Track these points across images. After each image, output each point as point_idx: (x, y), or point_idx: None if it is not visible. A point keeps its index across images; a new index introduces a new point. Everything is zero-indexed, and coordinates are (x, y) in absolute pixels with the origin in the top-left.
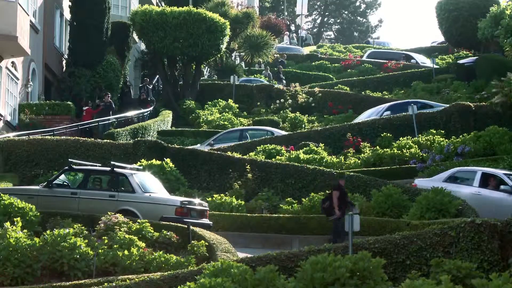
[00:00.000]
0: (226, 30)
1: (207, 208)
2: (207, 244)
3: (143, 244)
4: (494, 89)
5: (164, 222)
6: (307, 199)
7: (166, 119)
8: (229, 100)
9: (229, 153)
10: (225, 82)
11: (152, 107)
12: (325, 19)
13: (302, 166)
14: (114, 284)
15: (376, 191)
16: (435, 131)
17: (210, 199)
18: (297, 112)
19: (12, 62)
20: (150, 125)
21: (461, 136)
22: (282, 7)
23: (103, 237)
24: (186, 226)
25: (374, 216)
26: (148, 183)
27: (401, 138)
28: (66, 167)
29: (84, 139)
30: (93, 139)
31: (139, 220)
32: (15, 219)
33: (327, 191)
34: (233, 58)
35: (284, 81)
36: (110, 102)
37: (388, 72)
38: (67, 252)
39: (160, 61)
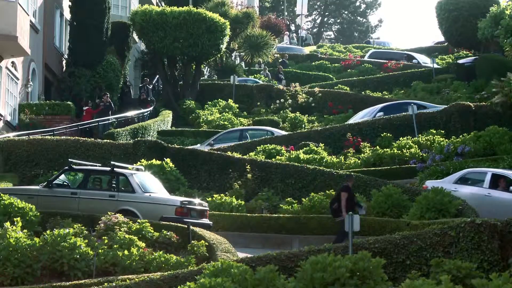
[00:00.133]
0: (226, 30)
1: (207, 208)
2: (207, 244)
3: (143, 244)
4: (494, 89)
5: (164, 222)
6: (307, 199)
7: (166, 119)
8: (229, 100)
9: (229, 153)
10: (225, 82)
11: (152, 107)
12: (325, 19)
13: (302, 166)
14: (114, 284)
15: (376, 191)
16: (435, 131)
17: (210, 199)
18: (297, 112)
19: (12, 62)
20: (150, 125)
21: (461, 136)
22: (282, 7)
23: (103, 237)
24: (186, 226)
25: (374, 216)
26: (148, 183)
27: (401, 138)
28: (66, 167)
29: (84, 139)
30: (93, 139)
31: (139, 220)
32: (15, 219)
33: (332, 192)
34: (233, 58)
35: (284, 81)
36: (110, 102)
37: (388, 72)
38: (67, 252)
39: (160, 61)
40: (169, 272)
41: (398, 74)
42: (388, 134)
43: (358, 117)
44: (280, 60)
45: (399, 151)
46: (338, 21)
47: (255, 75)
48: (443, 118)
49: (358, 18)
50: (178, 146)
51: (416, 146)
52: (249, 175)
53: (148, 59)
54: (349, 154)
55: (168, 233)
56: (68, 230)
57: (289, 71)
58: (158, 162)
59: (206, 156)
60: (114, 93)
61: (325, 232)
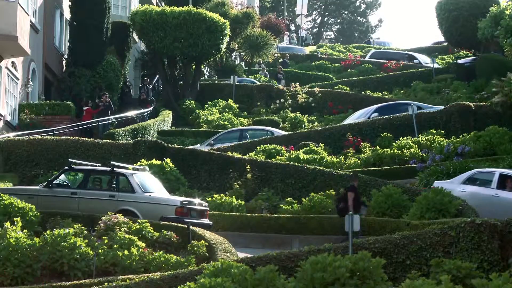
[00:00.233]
0: (226, 30)
1: (207, 208)
2: (207, 244)
3: (143, 244)
4: (494, 89)
5: (164, 222)
6: (307, 199)
7: (166, 119)
8: (229, 100)
9: (229, 153)
10: (224, 82)
11: (152, 107)
12: (325, 19)
13: (302, 166)
14: (114, 284)
15: (376, 191)
16: (435, 131)
17: (210, 199)
18: (297, 112)
19: (12, 62)
20: (150, 125)
21: (461, 136)
22: (282, 7)
23: (103, 237)
24: (186, 226)
25: (374, 216)
26: (148, 183)
27: (401, 138)
28: (66, 167)
29: (84, 139)
30: (93, 139)
31: (139, 220)
32: (15, 219)
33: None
34: (233, 58)
35: (283, 81)
36: (109, 102)
37: (388, 72)
38: (67, 252)
39: (160, 61)
40: (169, 272)
41: (398, 74)
42: (388, 134)
43: (354, 118)
44: (280, 60)
45: (399, 151)
46: (338, 21)
47: (255, 75)
48: (443, 118)
49: (358, 18)
50: (178, 146)
51: (416, 146)
52: (249, 175)
53: (148, 59)
54: (349, 154)
55: (168, 233)
56: (68, 230)
57: (289, 71)
58: (158, 162)
59: (206, 156)
60: (114, 93)
61: (325, 232)
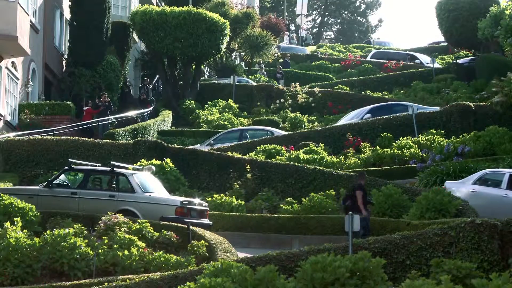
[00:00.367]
0: (226, 30)
1: (207, 208)
2: (207, 244)
3: (143, 244)
4: (494, 89)
5: (164, 222)
6: (307, 199)
7: (166, 119)
8: (229, 100)
9: (229, 153)
10: (223, 82)
11: (152, 107)
12: (325, 19)
13: (302, 166)
14: (114, 284)
15: (376, 191)
16: (435, 131)
17: (210, 199)
18: (297, 112)
19: (12, 62)
20: (150, 125)
21: (461, 136)
22: (282, 7)
23: (103, 237)
24: (186, 226)
25: (374, 216)
26: (148, 183)
27: (401, 138)
28: (66, 167)
29: (84, 139)
30: (93, 139)
31: (139, 220)
32: (15, 219)
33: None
34: (233, 58)
35: (282, 81)
36: (109, 102)
37: (388, 72)
38: (67, 252)
39: (160, 61)
40: (169, 272)
41: (398, 74)
42: (388, 134)
43: (347, 119)
44: (280, 60)
45: (399, 151)
46: (338, 21)
47: (255, 75)
48: (443, 118)
49: (358, 18)
50: (178, 146)
51: (416, 146)
52: (249, 175)
53: (148, 59)
54: (349, 154)
55: (168, 233)
56: (68, 230)
57: (289, 71)
58: (158, 162)
59: (206, 156)
60: (114, 93)
61: (325, 232)
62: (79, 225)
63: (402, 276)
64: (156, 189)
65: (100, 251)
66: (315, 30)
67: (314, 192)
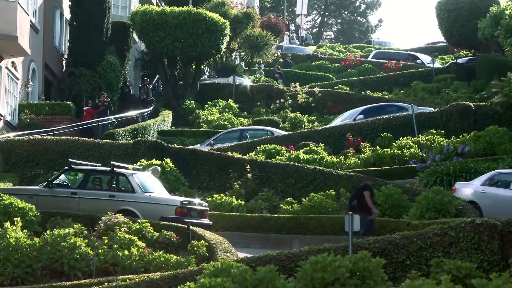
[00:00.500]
0: (226, 30)
1: (207, 208)
2: (207, 244)
3: (143, 244)
4: (494, 89)
5: (164, 222)
6: (307, 199)
7: (166, 119)
8: (229, 100)
9: (229, 153)
10: (222, 82)
11: (152, 107)
12: (325, 19)
13: (302, 166)
14: (114, 284)
15: (376, 191)
16: (435, 131)
17: (210, 199)
18: (297, 112)
19: (12, 62)
20: (150, 125)
21: (461, 136)
22: (282, 7)
23: (103, 237)
24: (186, 226)
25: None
26: (148, 183)
27: (401, 138)
28: (66, 167)
29: (84, 139)
30: (93, 139)
31: (139, 220)
32: (15, 219)
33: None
34: (233, 58)
35: (281, 81)
36: (109, 102)
37: (388, 72)
38: (67, 252)
39: (160, 61)
40: (169, 272)
41: (398, 74)
42: (388, 134)
43: (340, 120)
44: (280, 60)
45: (399, 151)
46: (338, 21)
47: (255, 75)
48: (443, 118)
49: (358, 18)
50: (178, 146)
51: (416, 146)
52: (249, 175)
53: (148, 59)
54: (349, 154)
55: (168, 233)
56: (68, 230)
57: (289, 71)
58: (158, 162)
59: (206, 156)
60: (114, 93)
61: (325, 232)
62: (79, 225)
63: (402, 276)
64: (156, 189)
65: (100, 251)
66: (315, 30)
67: (314, 192)
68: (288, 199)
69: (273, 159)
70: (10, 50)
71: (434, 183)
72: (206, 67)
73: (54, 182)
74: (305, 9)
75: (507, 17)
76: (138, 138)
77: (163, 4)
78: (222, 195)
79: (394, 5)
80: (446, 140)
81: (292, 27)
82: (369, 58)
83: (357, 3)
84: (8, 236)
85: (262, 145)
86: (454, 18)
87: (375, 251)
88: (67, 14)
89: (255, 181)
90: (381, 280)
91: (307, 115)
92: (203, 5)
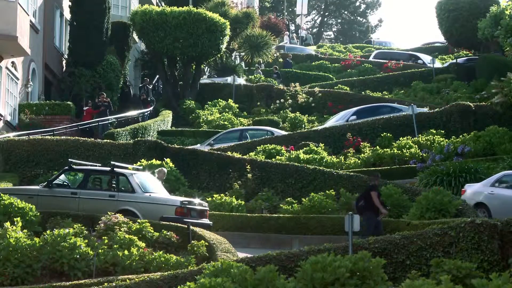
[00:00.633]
0: (226, 30)
1: (207, 208)
2: (207, 244)
3: (143, 244)
4: (494, 89)
5: (164, 222)
6: (307, 199)
7: (166, 119)
8: (229, 100)
9: (229, 153)
10: (221, 82)
11: (152, 107)
12: (325, 19)
13: (302, 166)
14: (114, 284)
15: None
16: (435, 131)
17: (210, 199)
18: (297, 112)
19: (12, 62)
20: (150, 125)
21: (461, 136)
22: (282, 7)
23: (103, 237)
24: (186, 226)
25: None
26: (148, 183)
27: (401, 138)
28: (66, 167)
29: (84, 139)
30: (93, 139)
31: (139, 220)
32: (15, 219)
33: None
34: (233, 58)
35: (278, 80)
36: (108, 102)
37: (388, 72)
38: (67, 252)
39: (160, 61)
40: (169, 272)
41: (398, 74)
42: (388, 134)
43: (333, 121)
44: (280, 60)
45: (399, 151)
46: (338, 21)
47: (255, 75)
48: (443, 118)
49: (358, 18)
50: (178, 146)
51: (416, 146)
52: (249, 175)
53: (148, 59)
54: (349, 154)
55: (168, 233)
56: (68, 230)
57: (289, 71)
58: (158, 162)
59: (206, 156)
60: (114, 93)
61: (325, 232)
62: (79, 225)
63: (402, 276)
64: (156, 189)
65: (100, 251)
66: (315, 30)
67: (314, 192)
68: (288, 199)
69: (273, 159)
70: (10, 50)
71: (434, 183)
72: (206, 67)
73: (54, 182)
74: (305, 9)
75: (507, 17)
76: (138, 138)
77: (163, 4)
78: (222, 195)
79: (394, 5)
80: (446, 140)
81: (292, 27)
82: (370, 58)
83: (357, 3)
84: (8, 236)
85: (262, 145)
86: (454, 18)
87: (375, 251)
88: (67, 14)
89: (255, 181)
90: (381, 280)
91: (307, 115)
92: (203, 5)
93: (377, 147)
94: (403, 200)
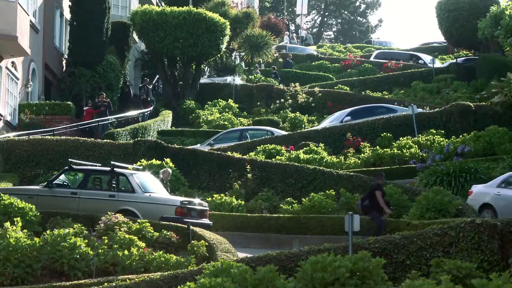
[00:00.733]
0: (226, 30)
1: (207, 208)
2: (207, 244)
3: (143, 244)
4: (494, 89)
5: (164, 222)
6: (307, 199)
7: (166, 119)
8: (229, 100)
9: (229, 153)
10: (220, 82)
11: (152, 107)
12: (325, 19)
13: (302, 166)
14: (114, 284)
15: None
16: (435, 131)
17: (210, 199)
18: (297, 112)
19: (12, 62)
20: (150, 125)
21: (461, 136)
22: (282, 7)
23: (103, 237)
24: (186, 226)
25: None
26: (148, 183)
27: (401, 138)
28: (66, 167)
29: (84, 139)
30: (93, 139)
31: (139, 220)
32: (15, 219)
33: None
34: (233, 58)
35: (276, 80)
36: (108, 102)
37: (388, 72)
38: (67, 252)
39: (160, 61)
40: (169, 272)
41: (398, 74)
42: (388, 134)
43: (328, 122)
44: (280, 60)
45: (399, 151)
46: (338, 21)
47: (254, 75)
48: (443, 118)
49: (358, 18)
50: (178, 146)
51: (416, 146)
52: (249, 175)
53: (148, 59)
54: (349, 154)
55: (168, 233)
56: (68, 230)
57: (289, 71)
58: (158, 162)
59: (206, 156)
60: (114, 93)
61: (325, 232)
62: (79, 225)
63: (402, 276)
64: (156, 189)
65: (100, 251)
66: (315, 30)
67: (314, 192)
68: (288, 199)
69: (273, 159)
70: (10, 50)
71: (434, 183)
72: (206, 67)
73: (54, 182)
74: (305, 9)
75: (507, 17)
76: (138, 138)
77: (163, 4)
78: (222, 195)
79: (394, 5)
80: (446, 140)
81: (292, 27)
82: (371, 58)
83: (357, 3)
84: (8, 236)
85: (262, 145)
86: (454, 18)
87: (375, 251)
88: (67, 14)
89: (255, 181)
90: (381, 280)
91: (307, 115)
92: (203, 5)
93: (377, 147)
94: (403, 200)
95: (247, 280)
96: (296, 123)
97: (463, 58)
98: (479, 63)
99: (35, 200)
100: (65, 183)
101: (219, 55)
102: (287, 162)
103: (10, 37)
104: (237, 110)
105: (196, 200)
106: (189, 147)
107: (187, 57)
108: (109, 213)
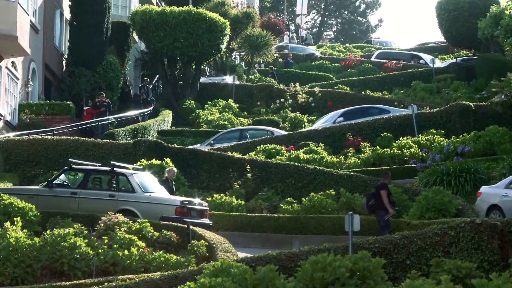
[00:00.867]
0: (226, 30)
1: (207, 208)
2: (207, 244)
3: (143, 244)
4: (494, 89)
5: (164, 222)
6: (307, 199)
7: (166, 119)
8: (229, 100)
9: (229, 153)
10: (220, 82)
11: (152, 107)
12: (325, 19)
13: (302, 166)
14: (114, 284)
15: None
16: (435, 131)
17: (210, 199)
18: (297, 112)
19: (12, 62)
20: (150, 125)
21: (461, 136)
22: (282, 7)
23: (103, 237)
24: (186, 226)
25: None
26: (148, 183)
27: (401, 138)
28: (66, 167)
29: (84, 139)
30: (93, 139)
31: (139, 220)
32: (15, 219)
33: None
34: (233, 58)
35: (273, 80)
36: (108, 102)
37: (388, 72)
38: (67, 252)
39: (160, 61)
40: (169, 272)
41: (398, 74)
42: (388, 134)
43: (321, 122)
44: (280, 60)
45: (399, 151)
46: (338, 21)
47: (254, 75)
48: (443, 118)
49: (358, 18)
50: (178, 146)
51: (416, 146)
52: (249, 175)
53: (148, 59)
54: (349, 154)
55: (168, 233)
56: (68, 230)
57: (289, 71)
58: (158, 162)
59: (206, 156)
60: (114, 93)
61: (325, 232)
62: (79, 225)
63: (402, 276)
64: (156, 189)
65: (100, 251)
66: (315, 30)
67: (314, 192)
68: (288, 199)
69: (273, 159)
70: (10, 50)
71: (434, 183)
72: (206, 67)
73: (54, 182)
74: (305, 9)
75: (507, 17)
76: (138, 138)
77: (163, 4)
78: (222, 195)
79: (394, 5)
80: (446, 140)
81: (292, 27)
82: (372, 58)
83: (357, 3)
84: (8, 236)
85: (262, 145)
86: (454, 18)
87: (375, 251)
88: (67, 14)
89: (255, 181)
90: (381, 280)
91: (307, 115)
92: (203, 5)
93: (377, 147)
94: (403, 200)
95: (247, 280)
96: (296, 123)
97: (465, 58)
98: (479, 63)
99: (35, 200)
100: (65, 183)
101: (219, 55)
102: (287, 162)
103: (10, 37)
104: (237, 110)
105: (196, 200)
106: (189, 147)
107: (187, 57)
108: (109, 213)
